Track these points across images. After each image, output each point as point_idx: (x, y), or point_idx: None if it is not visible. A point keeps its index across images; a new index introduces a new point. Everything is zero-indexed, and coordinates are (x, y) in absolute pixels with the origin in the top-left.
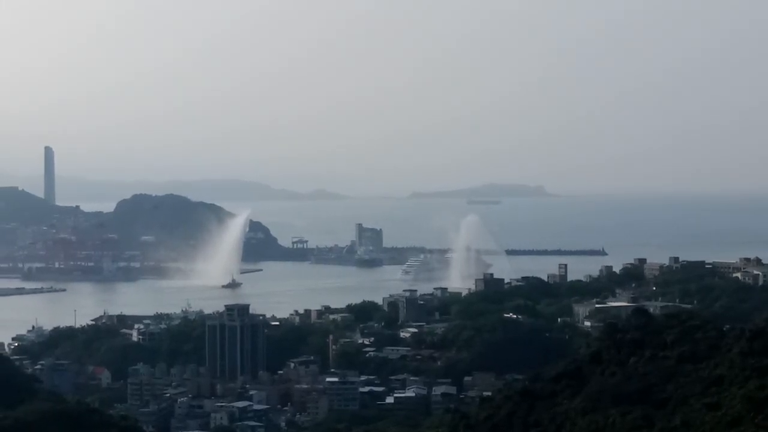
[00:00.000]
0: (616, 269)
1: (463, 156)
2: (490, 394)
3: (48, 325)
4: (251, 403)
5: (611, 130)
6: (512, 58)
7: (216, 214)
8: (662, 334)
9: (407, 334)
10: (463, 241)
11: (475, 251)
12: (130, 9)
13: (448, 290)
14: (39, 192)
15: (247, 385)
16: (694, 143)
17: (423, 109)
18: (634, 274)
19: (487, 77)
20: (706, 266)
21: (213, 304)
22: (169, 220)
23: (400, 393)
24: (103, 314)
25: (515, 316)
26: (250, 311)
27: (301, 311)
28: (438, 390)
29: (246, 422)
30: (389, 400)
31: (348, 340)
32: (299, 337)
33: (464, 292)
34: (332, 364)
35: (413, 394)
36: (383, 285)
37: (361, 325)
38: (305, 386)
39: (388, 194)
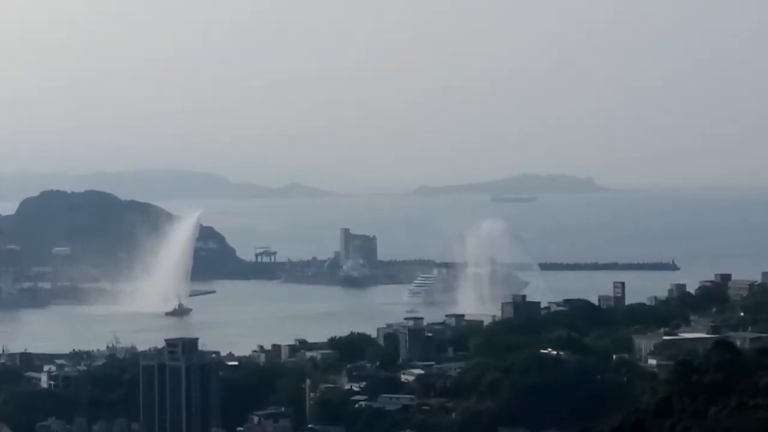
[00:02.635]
0: (691, 289)
1: (487, 139)
2: None
3: None
4: None
5: (682, 109)
6: (553, 18)
7: (153, 216)
8: (753, 375)
9: (410, 378)
10: (482, 252)
11: (504, 266)
12: None
13: (465, 318)
14: None
15: None
16: None
17: (434, 80)
18: (714, 296)
19: (518, 41)
20: None
21: (149, 338)
22: (89, 225)
23: None
24: (1, 352)
25: (555, 352)
26: (199, 347)
27: (268, 347)
28: None
29: None
30: None
31: (331, 385)
32: (266, 382)
33: (487, 321)
34: (310, 418)
35: None
36: (378, 311)
37: (348, 366)
38: None
39: (387, 189)
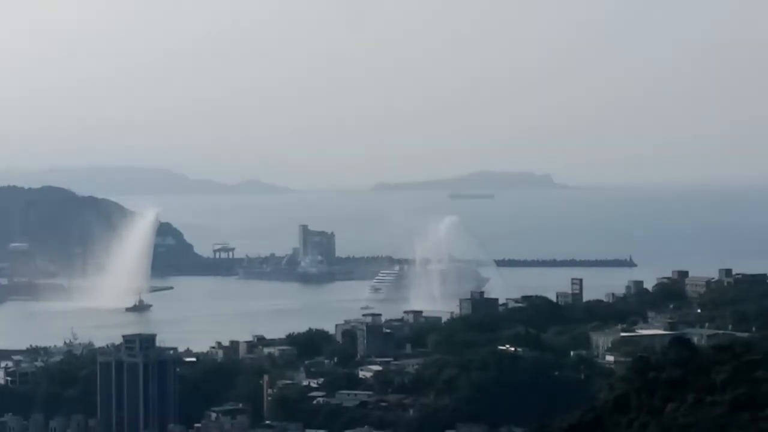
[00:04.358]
0: (648, 285)
1: (445, 137)
2: None
3: None
4: None
5: (640, 109)
6: (514, 22)
7: (110, 212)
8: (710, 372)
9: (368, 374)
10: (440, 249)
11: (464, 262)
12: None
13: (423, 314)
14: None
15: None
16: (750, 128)
17: (392, 81)
18: (672, 292)
19: (482, 44)
20: None
21: (107, 334)
22: (47, 220)
23: None
24: None
25: (513, 348)
26: (157, 343)
27: (226, 343)
28: None
29: None
30: None
31: (289, 381)
32: (223, 378)
33: (445, 317)
34: (267, 414)
35: None
36: (336, 307)
37: (306, 362)
38: None
39: (345, 186)
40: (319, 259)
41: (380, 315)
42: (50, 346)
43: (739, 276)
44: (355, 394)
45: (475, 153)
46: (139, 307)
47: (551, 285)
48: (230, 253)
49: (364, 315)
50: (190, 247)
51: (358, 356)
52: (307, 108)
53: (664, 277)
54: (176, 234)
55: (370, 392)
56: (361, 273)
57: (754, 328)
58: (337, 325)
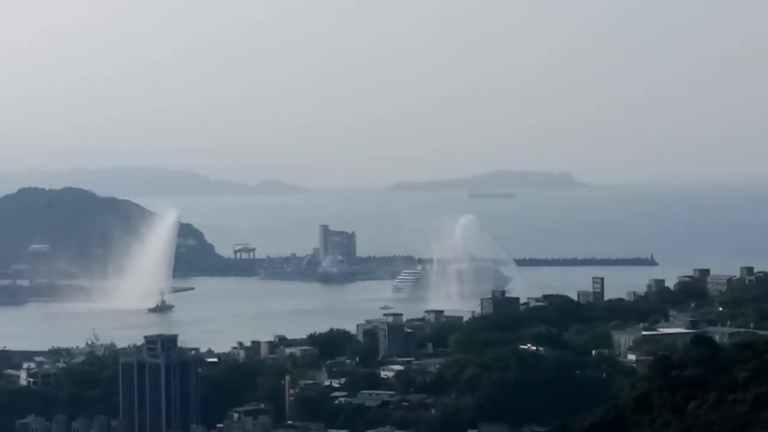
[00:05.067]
0: (670, 284)
1: (465, 136)
2: None
3: None
4: None
5: (659, 108)
6: (530, 18)
7: (131, 213)
8: (732, 370)
9: (390, 374)
10: (461, 248)
11: (486, 262)
12: None
13: (445, 314)
14: None
15: None
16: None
17: (410, 81)
18: (693, 291)
19: (500, 42)
20: None
21: (129, 335)
22: (68, 221)
23: None
24: None
25: (534, 347)
26: (179, 344)
27: (248, 343)
28: None
29: None
30: None
31: (310, 381)
32: (245, 379)
33: (466, 317)
34: (289, 414)
35: None
36: (357, 307)
37: (327, 362)
38: None
39: (364, 186)
40: (339, 259)
41: (401, 315)
42: (72, 347)
43: (761, 274)
44: (377, 394)
45: (493, 152)
46: (161, 308)
47: (572, 284)
48: (251, 254)
49: (385, 315)
50: (211, 247)
51: (380, 356)
52: (319, 108)
53: (686, 276)
54: (197, 235)
55: (391, 392)
56: (382, 273)
57: None
58: (358, 325)
